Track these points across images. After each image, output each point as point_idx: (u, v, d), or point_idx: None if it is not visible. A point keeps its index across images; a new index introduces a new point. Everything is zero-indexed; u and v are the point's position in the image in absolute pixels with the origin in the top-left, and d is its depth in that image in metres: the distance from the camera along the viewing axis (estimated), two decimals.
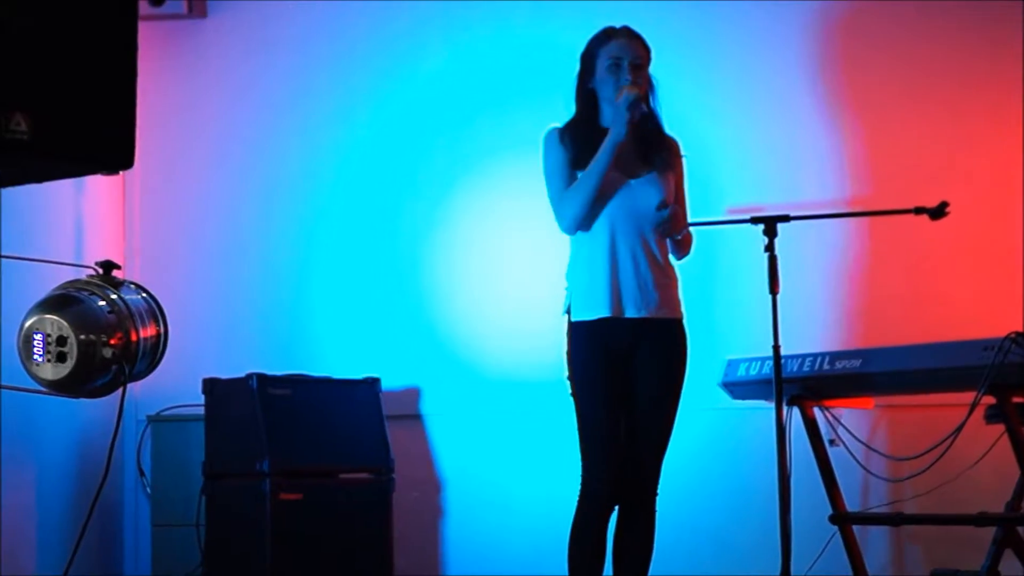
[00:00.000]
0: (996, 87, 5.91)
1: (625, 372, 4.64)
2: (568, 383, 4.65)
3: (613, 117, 4.62)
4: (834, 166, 6.02)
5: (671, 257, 4.75)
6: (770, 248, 4.94)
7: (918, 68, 6.03)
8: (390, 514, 5.66)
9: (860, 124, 6.04)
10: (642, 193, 4.67)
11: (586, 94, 4.76)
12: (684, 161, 4.82)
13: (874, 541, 5.67)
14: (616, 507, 4.67)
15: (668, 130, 4.80)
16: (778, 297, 4.93)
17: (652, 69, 4.74)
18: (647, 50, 4.72)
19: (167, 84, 6.33)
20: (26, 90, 2.41)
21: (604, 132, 4.65)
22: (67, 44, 2.47)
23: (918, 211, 5.05)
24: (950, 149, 5.95)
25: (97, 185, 6.06)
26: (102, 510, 5.92)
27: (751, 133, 6.09)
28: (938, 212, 5.02)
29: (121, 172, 2.68)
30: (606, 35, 4.72)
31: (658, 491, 4.66)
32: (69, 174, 2.80)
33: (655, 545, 4.68)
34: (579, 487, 4.62)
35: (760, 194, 5.95)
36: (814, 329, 5.77)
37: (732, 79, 6.12)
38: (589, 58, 4.74)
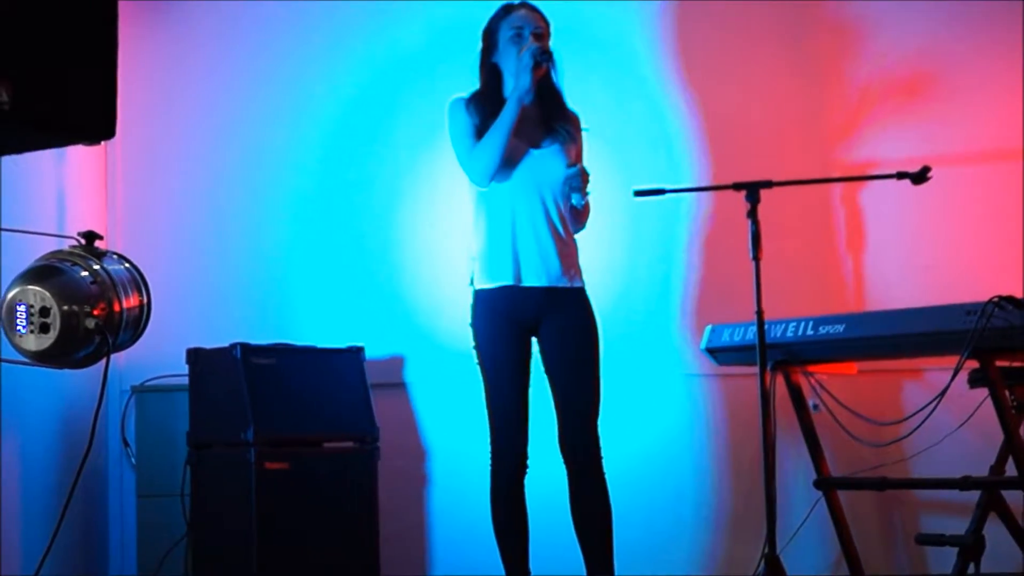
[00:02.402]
0: (982, 51, 5.92)
1: (531, 341, 4.71)
2: (474, 353, 4.71)
3: (517, 71, 4.66)
4: (818, 131, 6.03)
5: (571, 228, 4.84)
6: (753, 214, 4.93)
7: (909, 32, 6.03)
8: (375, 483, 5.66)
9: (843, 89, 6.04)
10: (545, 163, 4.75)
11: (489, 69, 4.86)
12: (585, 135, 4.89)
13: (859, 506, 5.69)
14: (567, 481, 4.73)
15: (571, 105, 4.93)
16: (761, 263, 4.93)
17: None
18: (547, 23, 4.83)
19: (149, 54, 6.30)
20: (7, 60, 2.39)
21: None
22: (48, 13, 2.46)
23: (900, 176, 5.04)
24: (936, 113, 5.95)
25: (79, 155, 6.03)
26: (87, 481, 5.91)
27: (733, 101, 6.08)
28: (920, 177, 5.01)
29: (103, 142, 2.67)
30: (505, 10, 4.85)
31: (602, 454, 4.74)
32: (50, 144, 2.79)
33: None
34: (489, 457, 4.70)
35: (743, 161, 5.95)
36: (798, 295, 5.78)
37: (711, 46, 6.12)
38: (490, 33, 4.84)
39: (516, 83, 4.68)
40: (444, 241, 6.14)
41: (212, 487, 5.55)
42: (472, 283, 4.78)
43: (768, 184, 4.97)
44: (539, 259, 4.69)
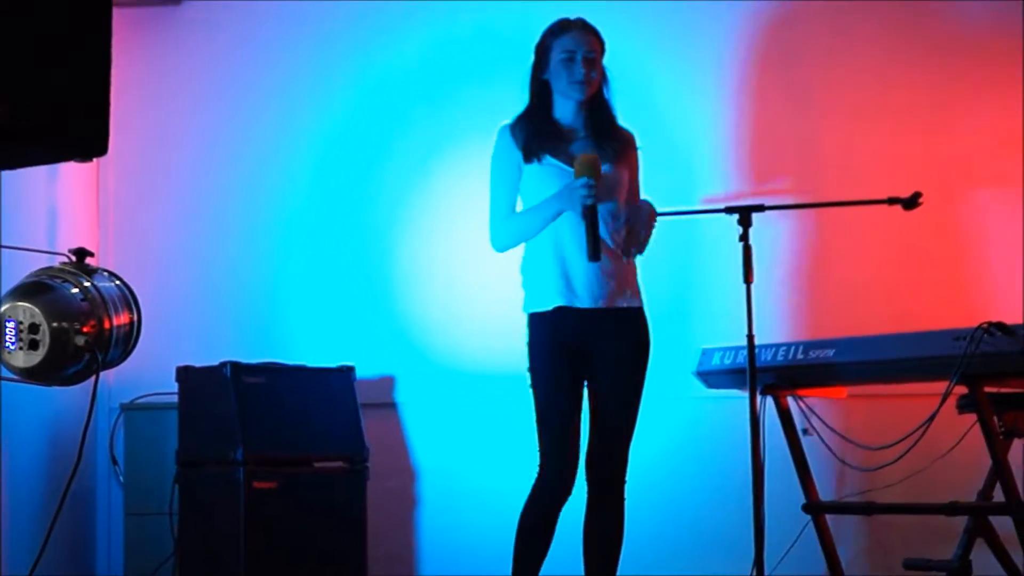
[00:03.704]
0: (979, 78, 5.93)
1: (585, 362, 4.65)
2: (528, 375, 4.67)
3: (569, 199, 4.55)
4: (809, 156, 6.04)
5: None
6: (744, 238, 4.94)
7: (892, 59, 6.05)
8: (364, 503, 5.66)
9: (834, 113, 6.05)
10: None
11: (539, 85, 4.78)
12: (640, 154, 4.82)
13: (847, 530, 5.69)
14: (587, 498, 4.69)
15: (622, 122, 4.81)
16: (752, 286, 4.93)
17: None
18: (601, 43, 4.74)
19: (141, 71, 6.30)
20: (2, 77, 2.40)
21: (556, 123, 4.70)
22: (41, 30, 2.46)
23: (891, 201, 5.06)
24: (926, 138, 5.96)
25: (71, 172, 6.03)
26: (74, 499, 5.90)
27: (726, 124, 6.09)
28: (911, 202, 5.03)
29: (95, 159, 2.68)
30: (560, 27, 4.74)
31: (626, 479, 4.68)
32: (42, 161, 2.79)
33: (628, 533, 4.69)
34: (535, 474, 4.65)
35: (735, 184, 5.96)
36: (788, 318, 5.78)
37: (707, 70, 6.12)
38: (543, 50, 4.76)
39: (559, 199, 4.58)
40: (436, 260, 6.14)
41: (200, 506, 5.55)
42: (525, 308, 4.72)
43: (760, 208, 4.98)
44: (591, 279, 4.63)
